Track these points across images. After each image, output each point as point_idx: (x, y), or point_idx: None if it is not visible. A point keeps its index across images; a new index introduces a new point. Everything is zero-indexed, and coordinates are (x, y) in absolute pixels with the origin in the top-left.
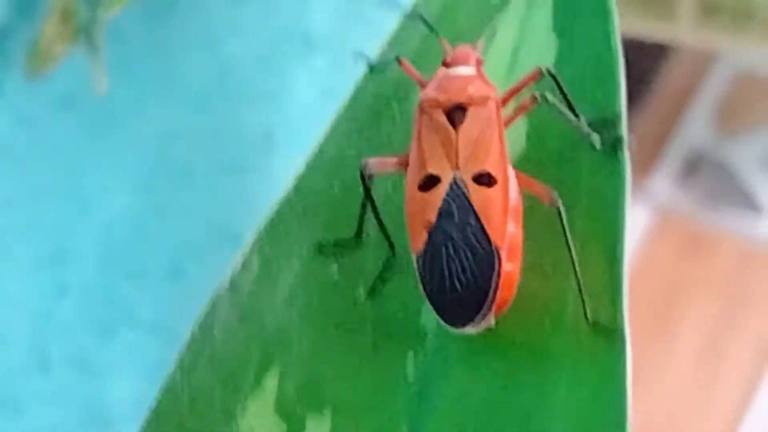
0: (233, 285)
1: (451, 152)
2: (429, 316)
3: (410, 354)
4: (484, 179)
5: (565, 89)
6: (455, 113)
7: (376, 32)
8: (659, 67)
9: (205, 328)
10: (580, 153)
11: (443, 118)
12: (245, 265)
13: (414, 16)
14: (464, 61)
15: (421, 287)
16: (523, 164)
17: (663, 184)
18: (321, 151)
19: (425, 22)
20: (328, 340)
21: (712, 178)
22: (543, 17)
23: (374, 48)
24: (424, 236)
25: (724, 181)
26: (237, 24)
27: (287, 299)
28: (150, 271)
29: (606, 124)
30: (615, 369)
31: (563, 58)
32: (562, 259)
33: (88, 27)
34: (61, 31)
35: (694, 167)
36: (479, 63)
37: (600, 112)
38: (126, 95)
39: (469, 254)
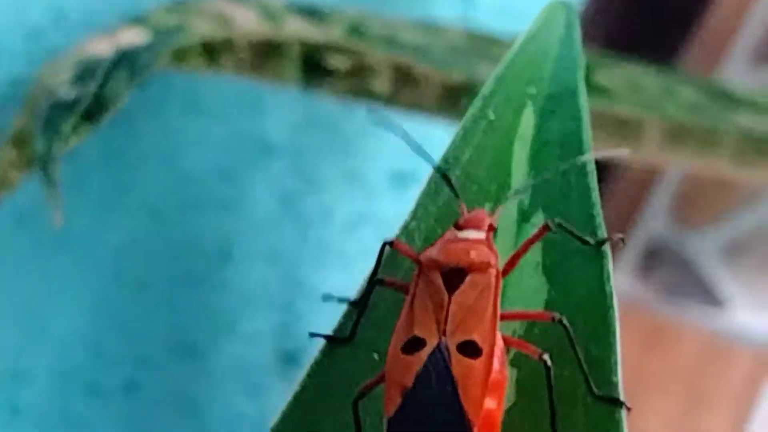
0: None
1: (441, 317)
2: None
3: None
4: (470, 349)
5: (577, 235)
6: (453, 277)
7: (336, 135)
8: (615, 161)
9: None
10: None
11: (439, 281)
12: None
13: (440, 176)
14: (476, 226)
15: None
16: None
17: (623, 276)
18: (305, 389)
19: (449, 183)
20: None
21: (672, 270)
22: (531, 254)
23: (335, 153)
24: (398, 401)
25: (684, 273)
26: (193, 134)
27: None
28: (106, 386)
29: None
30: None
31: (554, 304)
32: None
33: (43, 159)
34: (17, 159)
35: (654, 259)
36: (491, 229)
37: (593, 365)
38: (81, 210)
39: (443, 423)
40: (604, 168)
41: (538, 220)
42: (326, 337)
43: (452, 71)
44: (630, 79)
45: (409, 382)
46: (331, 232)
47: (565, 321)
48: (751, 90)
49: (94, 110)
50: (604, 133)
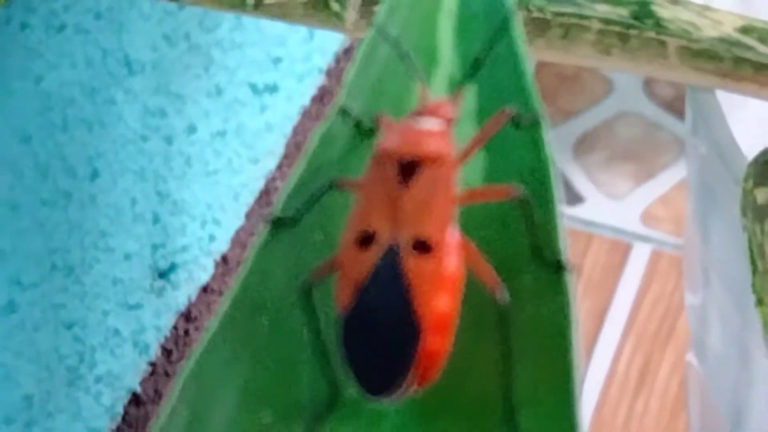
0: (165, 426)
1: (393, 210)
2: None
3: None
4: (422, 246)
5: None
6: (408, 169)
7: (197, 50)
8: None
9: None
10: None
11: (394, 172)
12: (173, 416)
13: (399, 50)
14: (435, 114)
15: (342, 350)
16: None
17: None
18: (243, 288)
19: (409, 59)
20: None
21: None
22: (467, 127)
23: (196, 68)
24: (352, 296)
25: None
26: (56, 53)
27: None
28: None
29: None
30: None
31: (493, 174)
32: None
33: None
34: None
35: None
36: (450, 120)
37: (537, 232)
38: None
39: (392, 325)
40: None
41: (470, 93)
42: (273, 220)
43: None
44: None
45: (362, 277)
46: (196, 146)
47: (526, 195)
48: None
49: None
50: None
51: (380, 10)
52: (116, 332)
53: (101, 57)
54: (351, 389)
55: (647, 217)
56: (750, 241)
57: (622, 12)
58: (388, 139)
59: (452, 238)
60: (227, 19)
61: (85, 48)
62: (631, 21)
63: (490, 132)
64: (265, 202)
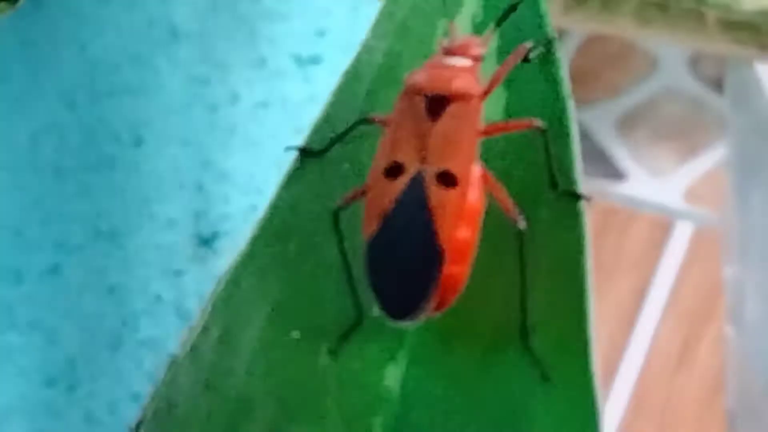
0: (194, 351)
1: (421, 144)
2: (395, 378)
3: (376, 420)
4: (446, 178)
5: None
6: (435, 104)
7: (242, 20)
8: None
9: (167, 395)
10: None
11: (422, 107)
12: (205, 331)
13: None
14: (464, 53)
15: (366, 274)
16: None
17: None
18: (272, 213)
19: None
20: (292, 407)
21: None
22: (488, 65)
23: (241, 38)
24: (378, 224)
25: (582, 147)
26: (103, 21)
27: (249, 367)
28: (29, 271)
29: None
30: (583, 387)
31: (512, 110)
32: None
33: None
34: None
35: None
36: (478, 59)
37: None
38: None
39: (415, 251)
40: None
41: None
42: (300, 149)
43: None
44: None
45: (389, 206)
46: (239, 115)
47: (545, 128)
48: None
49: None
50: None
51: None
52: (158, 298)
53: (147, 24)
54: (374, 310)
55: (690, 195)
56: None
57: None
58: (418, 75)
59: (475, 170)
60: None
61: (131, 15)
62: None
63: (509, 68)
64: None
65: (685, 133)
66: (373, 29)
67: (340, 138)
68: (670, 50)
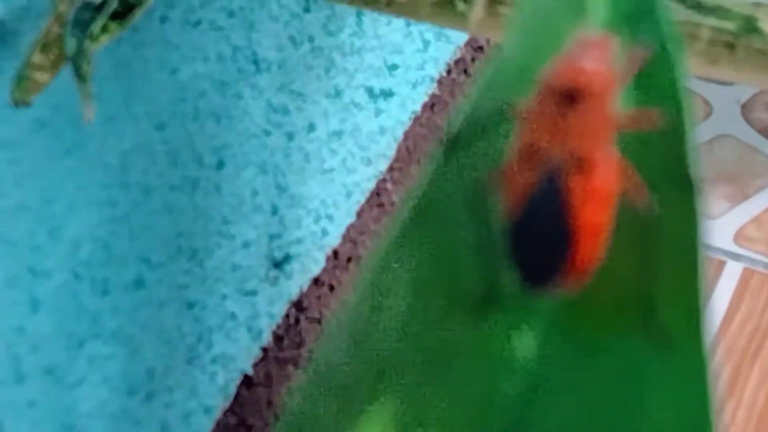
0: (347, 317)
1: (558, 135)
2: (528, 347)
3: (509, 387)
4: (583, 165)
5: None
6: (572, 95)
7: (319, 52)
8: None
9: (322, 351)
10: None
11: (560, 100)
12: (361, 291)
13: None
14: (595, 48)
15: (508, 253)
16: None
17: None
18: (418, 198)
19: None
20: (432, 370)
21: None
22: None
23: (318, 69)
24: (518, 207)
25: None
26: (191, 47)
27: (401, 326)
28: (114, 284)
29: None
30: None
31: (639, 103)
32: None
33: (76, 58)
34: (46, 61)
35: None
36: (612, 56)
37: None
38: (93, 115)
39: (553, 232)
40: None
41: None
42: (447, 139)
43: None
44: None
45: (527, 190)
46: (314, 144)
47: (669, 120)
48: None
49: (122, 10)
50: None
51: None
52: (233, 316)
53: (232, 53)
54: (510, 287)
55: (740, 237)
56: None
57: (728, 26)
58: (556, 70)
59: (610, 157)
60: (349, 24)
61: (218, 44)
62: (740, 32)
63: (637, 66)
64: (375, 202)
65: (736, 177)
66: (508, 36)
67: (480, 128)
68: (723, 96)
